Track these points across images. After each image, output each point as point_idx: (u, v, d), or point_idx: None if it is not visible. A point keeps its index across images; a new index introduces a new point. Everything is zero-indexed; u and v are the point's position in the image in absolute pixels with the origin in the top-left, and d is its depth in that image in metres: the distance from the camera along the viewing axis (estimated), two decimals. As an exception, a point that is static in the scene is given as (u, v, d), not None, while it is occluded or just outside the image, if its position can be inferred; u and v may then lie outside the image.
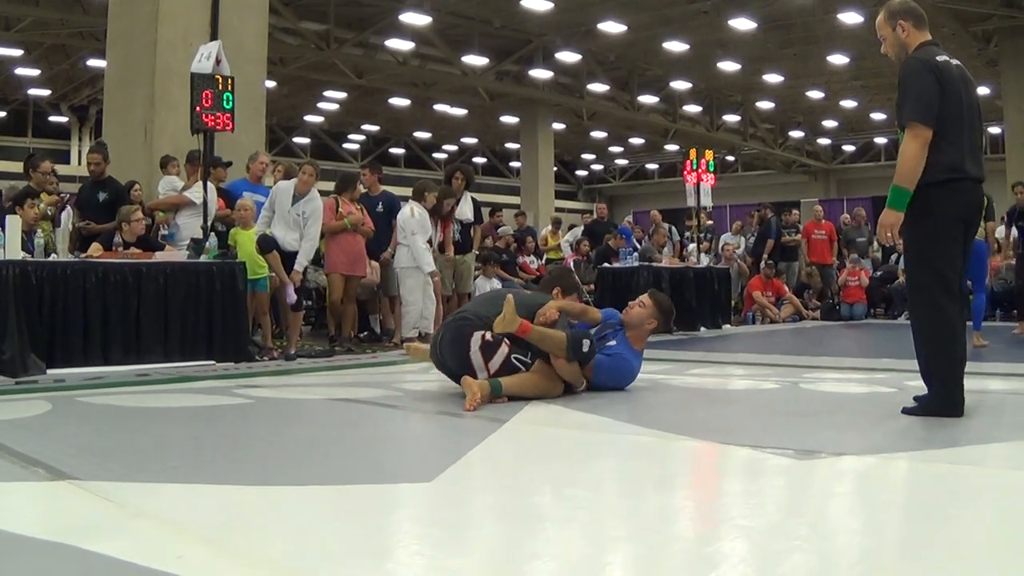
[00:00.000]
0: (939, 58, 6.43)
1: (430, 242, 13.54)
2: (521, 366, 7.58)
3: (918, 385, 8.42)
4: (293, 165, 14.59)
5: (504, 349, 7.61)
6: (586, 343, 7.52)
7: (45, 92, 40.89)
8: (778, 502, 4.42)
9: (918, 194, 6.24)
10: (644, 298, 8.52)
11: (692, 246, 21.64)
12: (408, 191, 14.07)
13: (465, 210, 14.45)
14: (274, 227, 11.83)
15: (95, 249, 10.95)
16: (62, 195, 13.77)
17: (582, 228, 21.90)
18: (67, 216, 13.26)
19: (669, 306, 8.57)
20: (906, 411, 6.50)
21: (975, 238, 13.12)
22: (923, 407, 6.43)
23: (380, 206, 13.81)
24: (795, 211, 23.98)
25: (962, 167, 6.31)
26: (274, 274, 11.79)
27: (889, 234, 6.35)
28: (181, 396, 8.36)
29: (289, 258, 11.79)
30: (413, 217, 13.05)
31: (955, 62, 6.54)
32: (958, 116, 6.33)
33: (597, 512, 4.16)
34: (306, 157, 47.47)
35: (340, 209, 12.80)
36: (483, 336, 7.70)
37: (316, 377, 10.06)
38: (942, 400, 6.31)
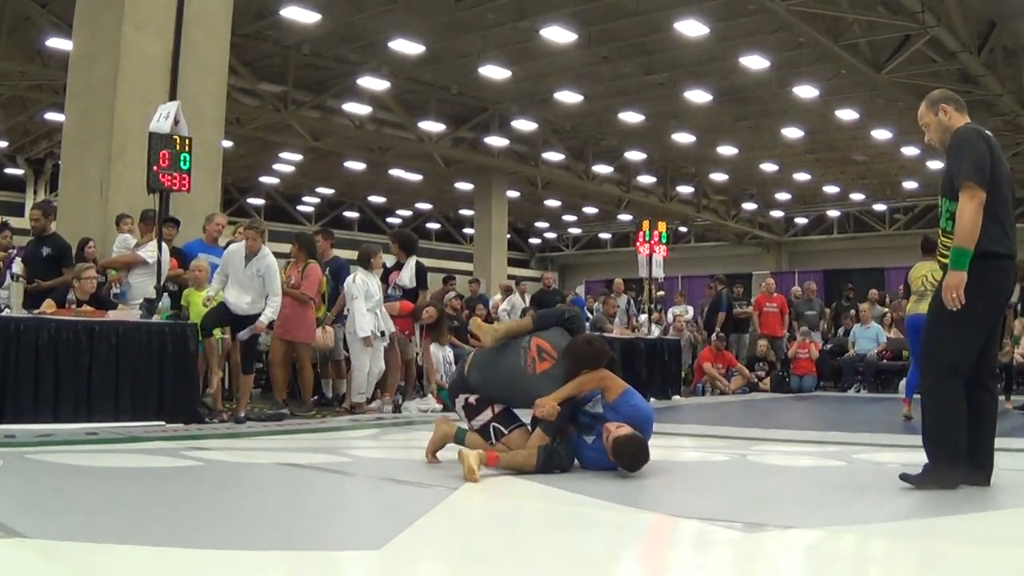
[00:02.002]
0: (987, 132, 6.52)
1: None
2: (495, 436, 7.58)
3: (867, 458, 8.51)
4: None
5: (488, 415, 7.65)
6: (558, 471, 7.24)
7: (1, 144, 40.61)
8: None
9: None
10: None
11: (644, 317, 21.69)
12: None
13: (404, 276, 14.36)
14: (227, 291, 11.75)
15: (48, 306, 10.91)
16: (8, 250, 13.71)
17: (518, 296, 21.98)
18: (19, 270, 13.24)
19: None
20: (904, 477, 6.43)
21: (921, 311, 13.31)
22: (922, 476, 6.35)
23: (327, 271, 13.84)
24: (738, 285, 24.13)
25: (1003, 243, 6.34)
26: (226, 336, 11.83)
27: (954, 295, 6.15)
28: (130, 456, 8.31)
29: (243, 321, 11.77)
30: (354, 283, 13.07)
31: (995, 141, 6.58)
32: (1001, 190, 6.35)
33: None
34: (259, 218, 47.38)
35: (283, 274, 12.87)
36: (466, 399, 7.77)
37: (266, 441, 10.00)
38: (943, 470, 6.25)
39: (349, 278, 13.24)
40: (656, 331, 20.78)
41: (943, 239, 6.52)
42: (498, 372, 8.04)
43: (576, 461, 7.48)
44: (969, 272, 6.14)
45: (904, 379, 20.10)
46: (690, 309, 23.63)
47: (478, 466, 6.97)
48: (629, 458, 7.12)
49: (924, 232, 39.47)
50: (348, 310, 13.33)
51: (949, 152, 6.47)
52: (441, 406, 13.37)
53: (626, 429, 7.13)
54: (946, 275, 6.28)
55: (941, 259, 6.59)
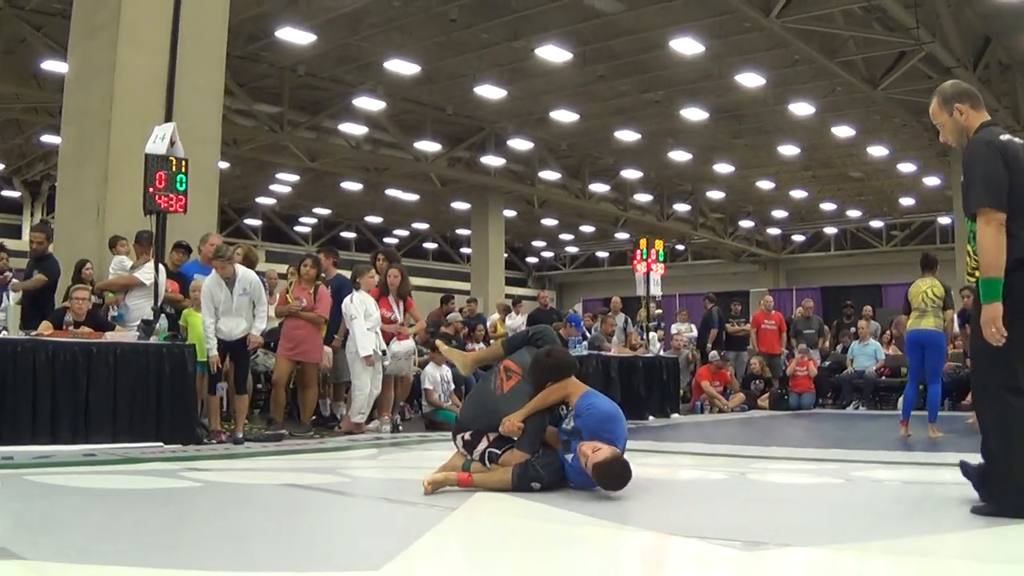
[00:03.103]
0: (1003, 137, 6.12)
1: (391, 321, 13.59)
2: (491, 461, 7.56)
3: (865, 476, 8.48)
4: (251, 248, 14.62)
5: (484, 444, 7.59)
6: (535, 485, 7.18)
7: (-2, 166, 40.71)
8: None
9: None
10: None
11: (653, 335, 21.67)
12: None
13: None
14: (223, 322, 11.58)
15: (45, 327, 10.91)
16: (4, 272, 13.71)
17: (516, 314, 22.04)
18: (15, 296, 13.25)
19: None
20: (975, 510, 6.01)
21: (929, 328, 13.27)
22: (990, 507, 5.93)
23: (330, 290, 13.81)
24: (736, 303, 24.20)
25: None
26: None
27: (994, 329, 5.77)
28: (128, 478, 8.30)
29: (237, 346, 11.79)
30: (352, 303, 13.05)
31: (1020, 141, 6.20)
32: None
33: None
34: (257, 239, 47.52)
35: (290, 295, 12.88)
36: (462, 437, 7.74)
37: (264, 461, 9.98)
38: (1009, 500, 5.79)
39: (347, 299, 13.21)
40: (659, 349, 20.81)
41: (969, 259, 6.23)
42: (475, 401, 8.21)
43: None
44: (1006, 288, 5.83)
45: (902, 397, 20.24)
46: (693, 327, 23.63)
47: (440, 482, 7.19)
48: (613, 481, 7.04)
49: (922, 249, 39.64)
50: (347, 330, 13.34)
51: (964, 169, 6.17)
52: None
53: (604, 452, 7.00)
54: (981, 310, 5.92)
55: (970, 279, 6.34)
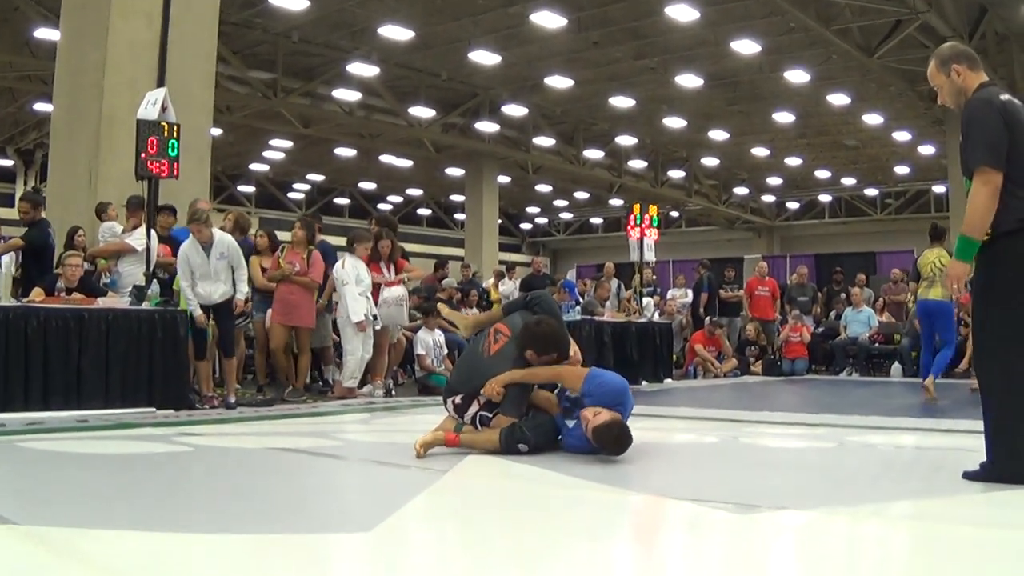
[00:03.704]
0: (1003, 97, 6.01)
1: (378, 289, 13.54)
2: (482, 424, 7.56)
3: (858, 440, 8.50)
4: (243, 214, 14.58)
5: (475, 408, 7.61)
6: (523, 447, 7.17)
7: (-9, 135, 40.62)
8: (718, 556, 4.44)
9: (989, 244, 5.82)
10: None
11: (648, 301, 21.66)
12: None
13: None
14: (201, 287, 11.63)
15: (37, 294, 10.88)
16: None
17: (509, 280, 22.10)
18: (8, 260, 13.22)
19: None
20: (968, 475, 5.97)
21: (937, 298, 13.30)
22: (986, 473, 5.87)
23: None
24: (730, 269, 24.23)
25: None
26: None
27: (955, 286, 5.96)
28: (121, 443, 8.31)
29: (220, 310, 11.85)
30: (343, 268, 13.02)
31: (1020, 102, 6.08)
32: None
33: (535, 565, 4.16)
34: (250, 205, 47.47)
35: (283, 259, 12.88)
36: (453, 401, 7.77)
37: (256, 426, 9.99)
38: (1007, 467, 5.75)
39: (338, 264, 13.18)
40: (656, 315, 20.84)
41: None
42: (463, 363, 8.33)
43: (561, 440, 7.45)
44: (999, 249, 5.79)
45: (896, 363, 20.30)
46: (689, 292, 23.60)
47: (430, 443, 7.22)
48: (613, 444, 7.02)
49: (917, 217, 39.65)
50: (337, 295, 13.32)
51: (962, 128, 6.05)
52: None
53: (604, 415, 7.01)
54: (950, 265, 6.03)
55: None
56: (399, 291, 13.77)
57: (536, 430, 7.25)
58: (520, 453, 7.13)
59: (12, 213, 28.53)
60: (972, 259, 5.84)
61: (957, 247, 5.88)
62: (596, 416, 7.01)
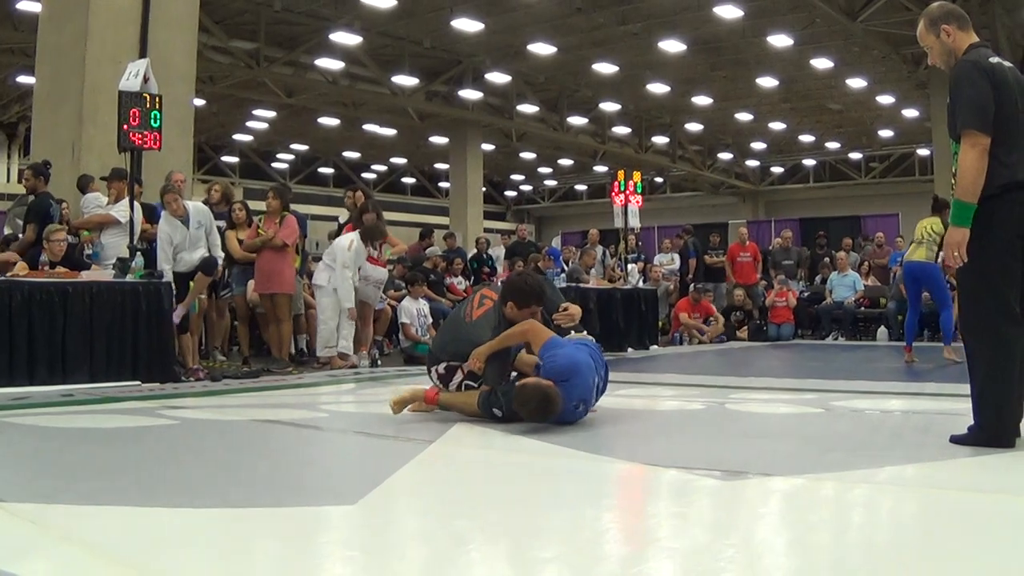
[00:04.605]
0: (992, 60, 6.01)
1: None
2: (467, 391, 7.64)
3: (844, 405, 8.51)
4: (228, 185, 14.59)
5: (459, 376, 7.71)
6: (497, 412, 7.23)
7: (-26, 109, 40.42)
8: (705, 523, 4.45)
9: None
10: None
11: (632, 267, 21.65)
12: (337, 210, 14.04)
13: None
14: (182, 256, 11.78)
15: (20, 268, 10.86)
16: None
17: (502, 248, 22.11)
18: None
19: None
20: (955, 439, 6.02)
21: (920, 260, 13.31)
22: (973, 436, 5.91)
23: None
24: (715, 235, 24.27)
25: (1021, 176, 5.79)
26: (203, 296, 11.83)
27: (956, 253, 5.74)
28: (106, 417, 8.28)
29: (203, 267, 11.91)
30: (349, 250, 12.96)
31: (1008, 64, 6.09)
32: (1014, 121, 5.83)
33: (522, 535, 4.16)
34: (234, 176, 47.36)
35: (261, 229, 12.88)
36: (436, 370, 7.84)
37: (241, 398, 9.98)
38: (994, 431, 5.80)
39: (343, 242, 13.13)
40: (641, 281, 20.85)
41: (953, 181, 5.94)
42: (445, 329, 8.48)
43: None
44: (984, 213, 5.73)
45: (882, 327, 20.33)
46: (676, 258, 23.58)
47: (407, 399, 7.58)
48: (529, 411, 7.01)
49: (901, 181, 39.70)
50: (320, 262, 13.35)
51: (949, 90, 6.03)
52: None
53: (531, 380, 7.10)
54: (948, 232, 5.91)
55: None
56: (382, 273, 13.78)
57: (509, 395, 7.22)
58: (496, 418, 7.21)
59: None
60: (970, 223, 5.73)
61: (952, 212, 5.83)
62: (525, 380, 7.15)
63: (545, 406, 6.95)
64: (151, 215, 12.85)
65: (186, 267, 11.68)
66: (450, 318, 8.70)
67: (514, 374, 7.69)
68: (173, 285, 11.38)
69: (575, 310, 7.97)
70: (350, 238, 13.14)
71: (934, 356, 13.73)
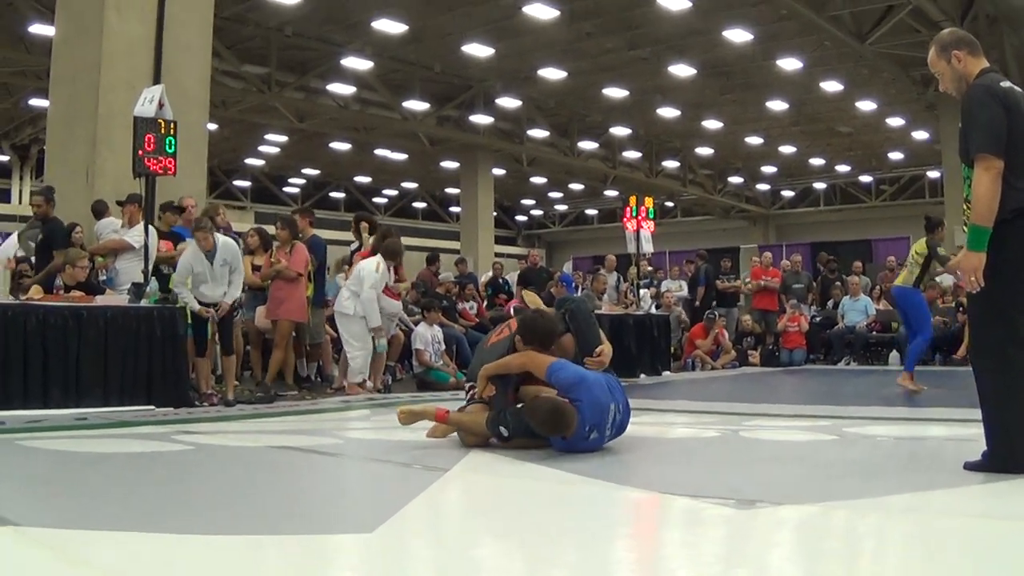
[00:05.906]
0: (1003, 84, 5.97)
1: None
2: None
3: (858, 432, 8.50)
4: (218, 207, 14.64)
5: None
6: (503, 430, 7.25)
7: (-14, 130, 40.55)
8: (718, 552, 4.45)
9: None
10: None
11: (645, 292, 21.60)
12: (347, 235, 14.06)
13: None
14: (203, 289, 11.68)
15: (35, 291, 10.88)
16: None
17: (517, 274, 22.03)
18: (10, 246, 13.24)
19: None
20: (968, 466, 5.96)
21: (898, 284, 13.28)
22: (986, 463, 5.86)
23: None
24: (726, 259, 24.18)
25: None
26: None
27: (973, 278, 5.69)
28: (120, 441, 8.31)
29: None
30: (376, 272, 12.99)
31: (1020, 90, 6.04)
32: None
33: (537, 564, 4.16)
34: (246, 200, 47.43)
35: (274, 258, 12.90)
36: (469, 387, 8.09)
37: (256, 424, 9.99)
38: (1006, 456, 5.74)
39: (370, 264, 13.14)
40: (653, 307, 20.78)
41: (965, 206, 5.94)
42: (475, 352, 8.73)
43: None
44: (996, 238, 5.69)
45: (894, 351, 20.28)
46: (684, 284, 23.53)
47: (418, 414, 7.79)
48: (543, 425, 7.07)
49: (912, 203, 39.58)
50: (344, 290, 13.35)
51: (962, 115, 6.00)
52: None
53: (544, 395, 7.23)
54: (963, 257, 5.80)
55: (965, 229, 5.96)
56: (396, 306, 13.83)
57: (517, 419, 7.24)
58: (501, 437, 7.26)
59: (6, 208, 28.52)
60: (985, 247, 5.68)
61: (969, 238, 5.77)
62: (535, 397, 7.22)
63: (556, 417, 6.99)
64: (176, 241, 12.90)
65: (208, 299, 11.64)
66: (479, 344, 8.97)
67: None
68: (196, 306, 11.45)
69: (606, 357, 7.95)
70: (375, 261, 13.15)
71: (944, 380, 13.70)
